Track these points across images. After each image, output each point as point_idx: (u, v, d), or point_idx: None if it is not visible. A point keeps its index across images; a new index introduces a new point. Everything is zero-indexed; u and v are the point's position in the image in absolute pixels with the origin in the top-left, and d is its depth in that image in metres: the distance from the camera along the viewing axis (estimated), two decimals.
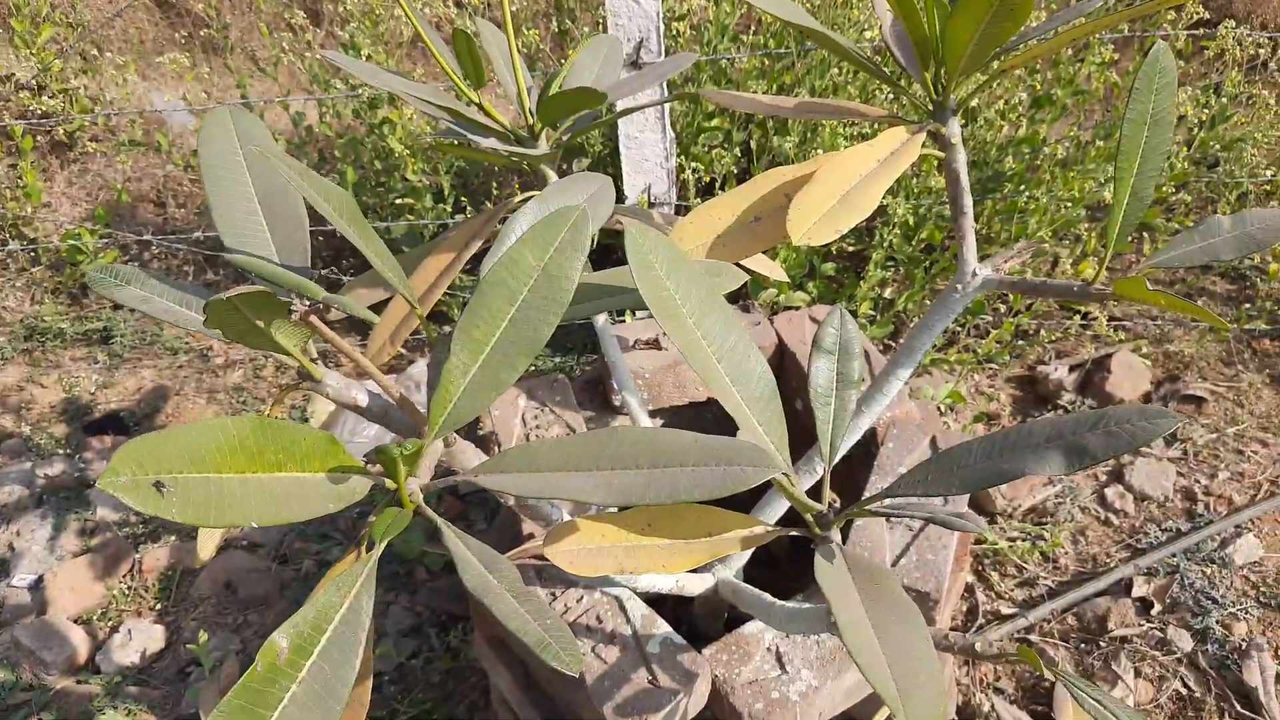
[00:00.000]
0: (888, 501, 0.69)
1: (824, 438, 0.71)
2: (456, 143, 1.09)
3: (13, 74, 2.72)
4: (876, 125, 0.90)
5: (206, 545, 0.85)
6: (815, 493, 0.88)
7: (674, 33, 1.84)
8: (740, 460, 0.50)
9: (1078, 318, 2.00)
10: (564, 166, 2.11)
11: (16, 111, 2.70)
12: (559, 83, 1.12)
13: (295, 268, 0.72)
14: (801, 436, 0.97)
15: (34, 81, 2.65)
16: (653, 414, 1.33)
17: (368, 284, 1.15)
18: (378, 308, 1.01)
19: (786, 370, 1.24)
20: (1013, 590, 1.59)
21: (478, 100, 1.07)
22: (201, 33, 3.43)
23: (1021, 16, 0.68)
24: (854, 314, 1.93)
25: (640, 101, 1.73)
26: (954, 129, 0.84)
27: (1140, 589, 1.55)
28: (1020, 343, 2.00)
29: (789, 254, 1.86)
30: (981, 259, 0.88)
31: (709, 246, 0.78)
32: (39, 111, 2.57)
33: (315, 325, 0.63)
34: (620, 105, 1.75)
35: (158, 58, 3.43)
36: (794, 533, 0.66)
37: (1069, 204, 1.77)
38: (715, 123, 2.04)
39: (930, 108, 0.84)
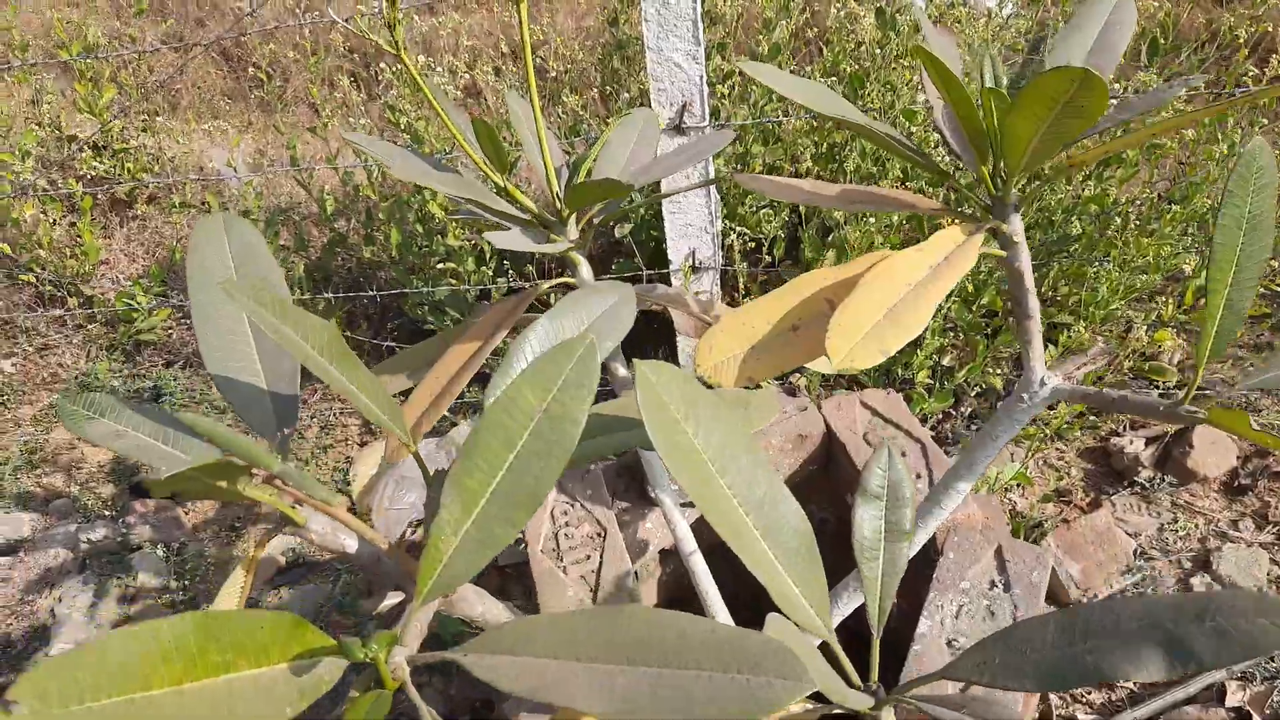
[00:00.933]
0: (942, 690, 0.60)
1: (872, 599, 0.62)
2: (481, 229, 1.04)
3: (75, 135, 2.80)
4: (929, 218, 0.82)
5: None
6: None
7: (718, 94, 1.79)
8: (768, 669, 0.42)
9: (1155, 388, 1.86)
10: (600, 242, 2.06)
11: (77, 171, 2.77)
12: (587, 168, 1.06)
13: (283, 395, 0.66)
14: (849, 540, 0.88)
15: (94, 141, 2.72)
16: (686, 504, 1.26)
17: (394, 369, 1.11)
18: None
19: (836, 460, 1.15)
20: (1089, 694, 1.46)
21: (503, 184, 1.02)
22: (256, 91, 3.50)
23: (1093, 114, 0.60)
24: (910, 382, 1.82)
25: (679, 185, 1.68)
26: (1016, 226, 0.76)
27: (1235, 697, 1.41)
28: (1092, 416, 1.87)
29: None
30: (1049, 330, 0.79)
31: (742, 359, 0.71)
32: (97, 173, 2.63)
33: (281, 488, 0.57)
34: (664, 185, 1.70)
35: (213, 119, 3.52)
36: (836, 712, 0.58)
37: (1143, 272, 1.66)
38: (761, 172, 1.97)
39: (988, 202, 0.76)
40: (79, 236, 2.59)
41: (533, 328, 0.69)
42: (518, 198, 1.03)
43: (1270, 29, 1.86)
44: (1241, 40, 1.74)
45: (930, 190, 1.66)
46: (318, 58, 2.25)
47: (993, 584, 0.98)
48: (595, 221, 1.10)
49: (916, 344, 1.81)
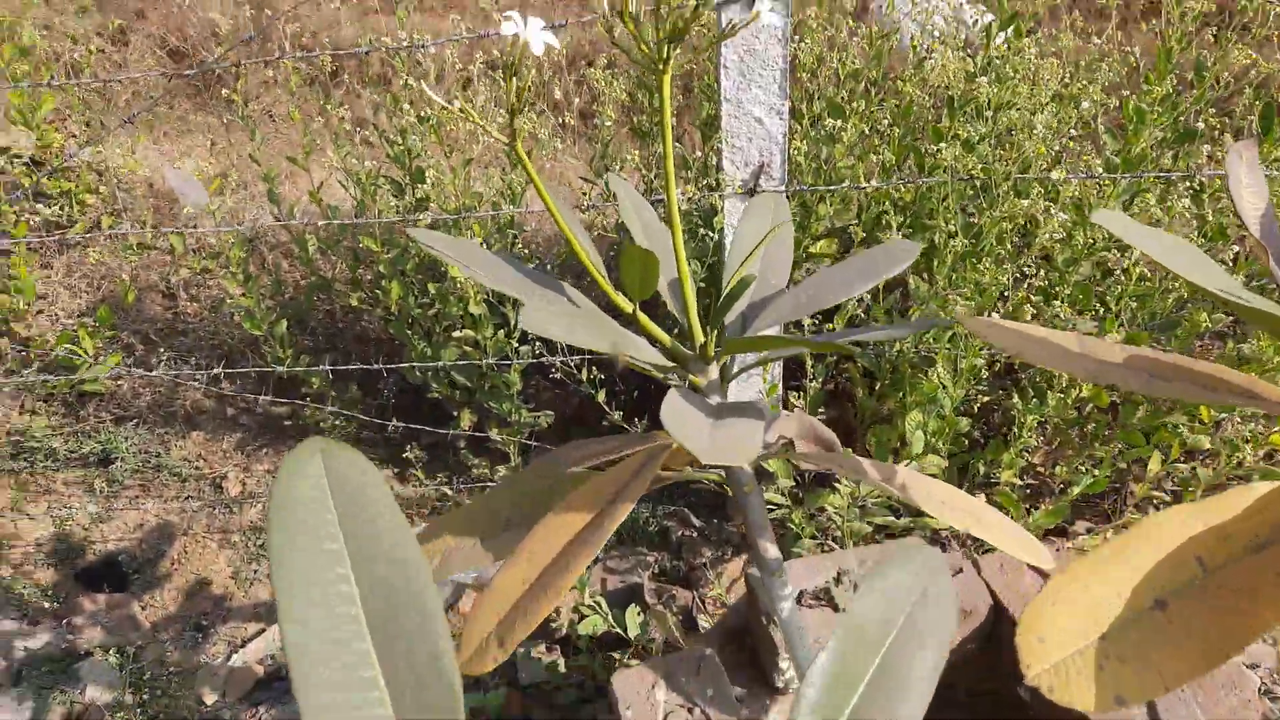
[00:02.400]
0: None
1: None
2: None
3: (8, 147, 2.44)
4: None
5: None
6: None
7: (796, 152, 1.57)
8: None
9: None
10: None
11: (8, 186, 2.42)
12: (731, 285, 0.83)
13: None
14: None
15: (31, 155, 2.37)
16: None
17: (459, 530, 0.86)
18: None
19: (1002, 640, 0.95)
20: None
21: (633, 309, 0.78)
22: (215, 104, 3.17)
23: None
24: (993, 482, 1.63)
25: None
26: None
27: None
28: None
29: (917, 418, 1.56)
30: None
31: (1096, 662, 0.49)
32: (33, 193, 2.29)
33: None
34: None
35: (164, 134, 3.16)
36: None
37: None
38: (821, 246, 1.76)
39: None
40: (11, 270, 2.25)
41: (822, 654, 0.45)
42: (652, 331, 0.79)
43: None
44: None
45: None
46: (297, 76, 1.96)
47: None
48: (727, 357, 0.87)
49: (1004, 438, 1.62)
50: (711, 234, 1.44)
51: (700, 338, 0.81)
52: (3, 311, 2.22)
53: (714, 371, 0.82)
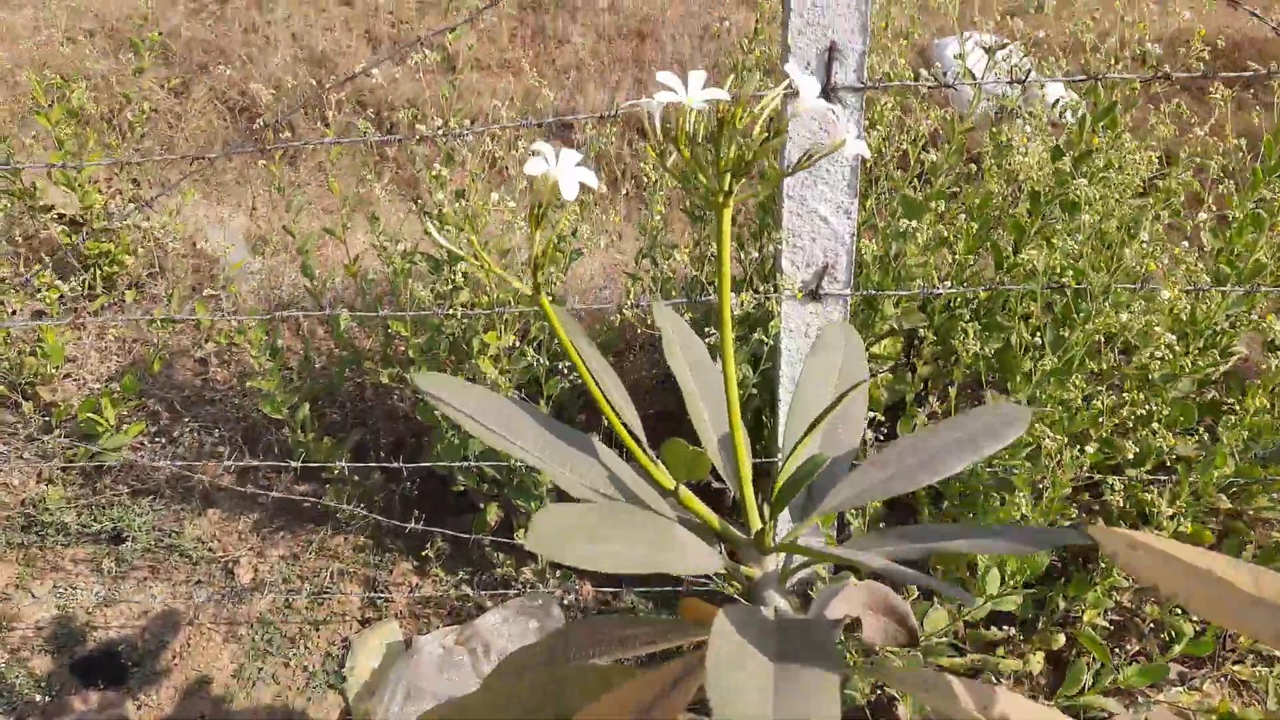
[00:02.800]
0: None
1: None
2: None
3: (51, 206, 2.42)
4: None
5: None
6: None
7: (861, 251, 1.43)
8: None
9: None
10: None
11: (49, 247, 2.38)
12: (789, 471, 0.69)
13: None
14: None
15: (73, 216, 2.34)
16: None
17: (481, 712, 0.72)
18: None
19: None
20: None
21: (676, 488, 0.64)
22: (261, 161, 3.15)
23: None
24: (1073, 618, 1.44)
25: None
26: None
27: None
28: None
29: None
30: None
31: None
32: (71, 255, 2.25)
33: None
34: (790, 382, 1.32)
35: (212, 192, 3.15)
36: None
37: None
38: (885, 347, 1.61)
39: None
40: (40, 333, 2.19)
41: None
42: (698, 511, 0.65)
43: None
44: None
45: None
46: (338, 149, 1.88)
47: None
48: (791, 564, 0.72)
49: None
50: (766, 339, 1.30)
51: (757, 523, 0.67)
52: (29, 375, 2.16)
53: (771, 563, 0.67)
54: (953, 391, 1.43)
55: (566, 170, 0.53)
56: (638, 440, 0.65)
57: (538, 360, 1.39)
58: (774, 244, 1.27)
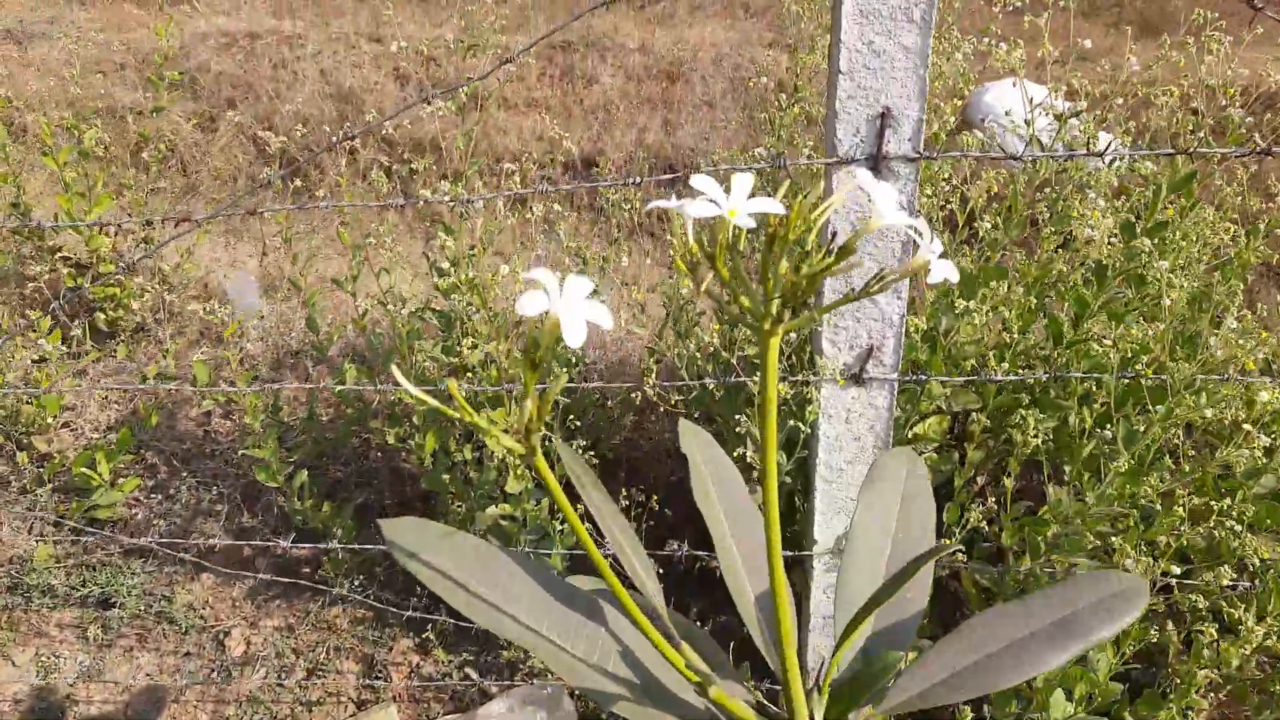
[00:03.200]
0: None
1: None
2: None
3: (59, 247, 2.35)
4: None
5: None
6: None
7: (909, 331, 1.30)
8: None
9: None
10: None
11: (55, 290, 2.31)
12: (836, 668, 0.56)
13: None
14: None
15: (78, 259, 2.26)
16: None
17: None
18: None
19: None
20: None
21: (706, 685, 0.51)
22: (278, 201, 3.08)
23: None
24: None
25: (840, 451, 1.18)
26: None
27: None
28: None
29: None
30: None
31: None
32: (76, 299, 2.17)
33: None
34: (822, 452, 1.20)
35: (237, 224, 3.08)
36: None
37: None
38: (929, 426, 1.47)
39: None
40: (45, 375, 2.11)
41: None
42: (733, 711, 0.52)
43: None
44: None
45: None
46: (350, 194, 1.79)
47: None
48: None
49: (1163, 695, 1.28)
50: (802, 426, 1.18)
51: (804, 715, 0.54)
52: (25, 424, 2.07)
53: None
54: (1009, 483, 1.29)
55: (573, 306, 0.41)
56: (656, 619, 0.52)
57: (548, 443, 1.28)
58: (813, 322, 1.15)
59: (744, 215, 0.45)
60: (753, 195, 0.48)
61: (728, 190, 0.47)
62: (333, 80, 4.62)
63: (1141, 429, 1.15)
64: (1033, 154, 1.05)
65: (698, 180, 0.47)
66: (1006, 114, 1.61)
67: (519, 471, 1.32)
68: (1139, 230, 1.28)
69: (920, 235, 0.47)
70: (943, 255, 0.48)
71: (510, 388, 1.22)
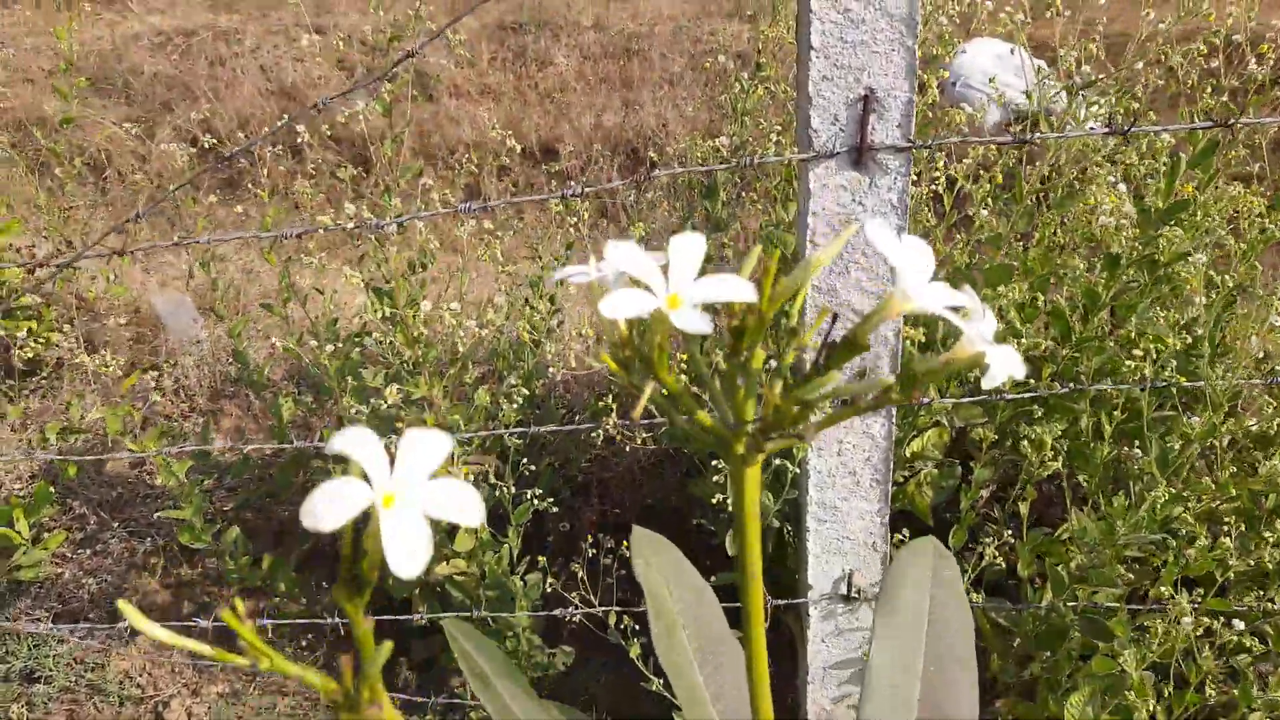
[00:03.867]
0: None
1: None
2: None
3: None
4: None
5: None
6: None
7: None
8: None
9: None
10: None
11: None
12: None
13: None
14: None
15: None
16: None
17: None
18: None
19: None
20: None
21: None
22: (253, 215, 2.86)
23: None
24: None
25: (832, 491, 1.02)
26: None
27: None
28: None
29: (1084, 696, 1.09)
30: None
31: None
32: None
33: None
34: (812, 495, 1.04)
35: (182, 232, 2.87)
36: None
37: None
38: (927, 441, 1.32)
39: None
40: None
41: None
42: None
43: None
44: None
45: None
46: (275, 210, 1.61)
47: None
48: None
49: None
50: (790, 465, 1.02)
51: None
52: None
53: None
54: (1024, 507, 1.14)
55: (406, 500, 0.24)
56: None
57: (501, 492, 1.11)
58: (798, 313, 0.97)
59: (688, 309, 0.29)
60: (706, 263, 0.31)
61: (665, 266, 0.30)
62: (274, 77, 4.38)
63: (1176, 447, 1.00)
64: (1045, 135, 0.88)
65: (618, 254, 0.30)
66: (990, 81, 1.45)
67: (467, 527, 1.16)
68: (1153, 213, 1.13)
69: (967, 318, 0.31)
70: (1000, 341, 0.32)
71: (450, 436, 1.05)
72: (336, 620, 1.56)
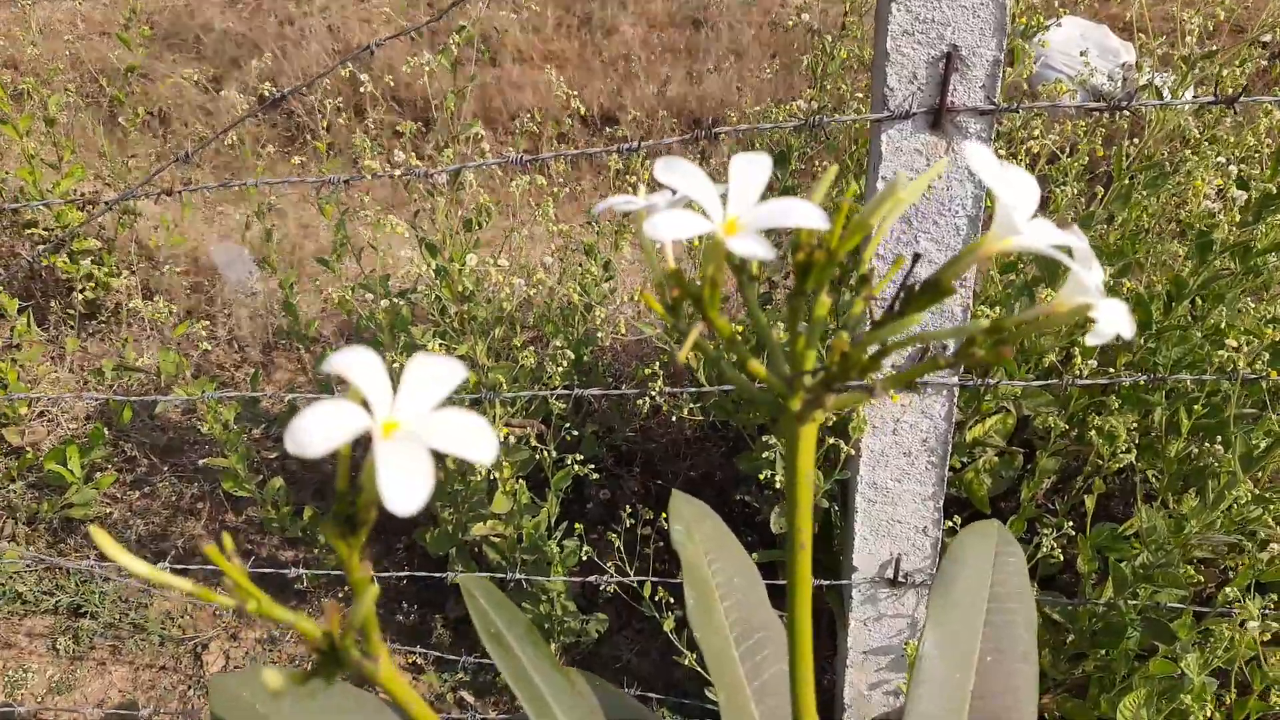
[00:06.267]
0: None
1: None
2: None
3: (34, 221, 2.18)
4: None
5: None
6: None
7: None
8: None
9: None
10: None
11: (25, 273, 2.15)
12: None
13: None
14: None
15: (51, 235, 2.10)
16: None
17: None
18: None
19: None
20: None
21: None
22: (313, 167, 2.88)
23: None
24: None
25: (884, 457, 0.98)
26: None
27: None
28: None
29: (1139, 697, 1.03)
30: None
31: None
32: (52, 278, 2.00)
33: None
34: (865, 458, 0.99)
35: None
36: None
37: None
38: (990, 426, 1.26)
39: None
40: (11, 362, 1.96)
41: None
42: None
43: None
44: None
45: None
46: (335, 161, 1.60)
47: None
48: None
49: None
50: (845, 446, 0.97)
51: None
52: None
53: None
54: (1090, 500, 1.08)
55: (409, 430, 0.21)
56: None
57: (543, 451, 1.09)
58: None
59: (750, 233, 0.25)
60: (770, 191, 0.28)
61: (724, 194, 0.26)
62: (341, 36, 4.40)
63: (1262, 446, 0.93)
64: (1147, 102, 0.82)
65: (667, 170, 0.26)
66: (1082, 54, 1.38)
67: (508, 487, 1.14)
68: (1255, 198, 1.05)
69: (1075, 261, 0.27)
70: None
71: (492, 396, 1.03)
72: (376, 574, 1.56)
